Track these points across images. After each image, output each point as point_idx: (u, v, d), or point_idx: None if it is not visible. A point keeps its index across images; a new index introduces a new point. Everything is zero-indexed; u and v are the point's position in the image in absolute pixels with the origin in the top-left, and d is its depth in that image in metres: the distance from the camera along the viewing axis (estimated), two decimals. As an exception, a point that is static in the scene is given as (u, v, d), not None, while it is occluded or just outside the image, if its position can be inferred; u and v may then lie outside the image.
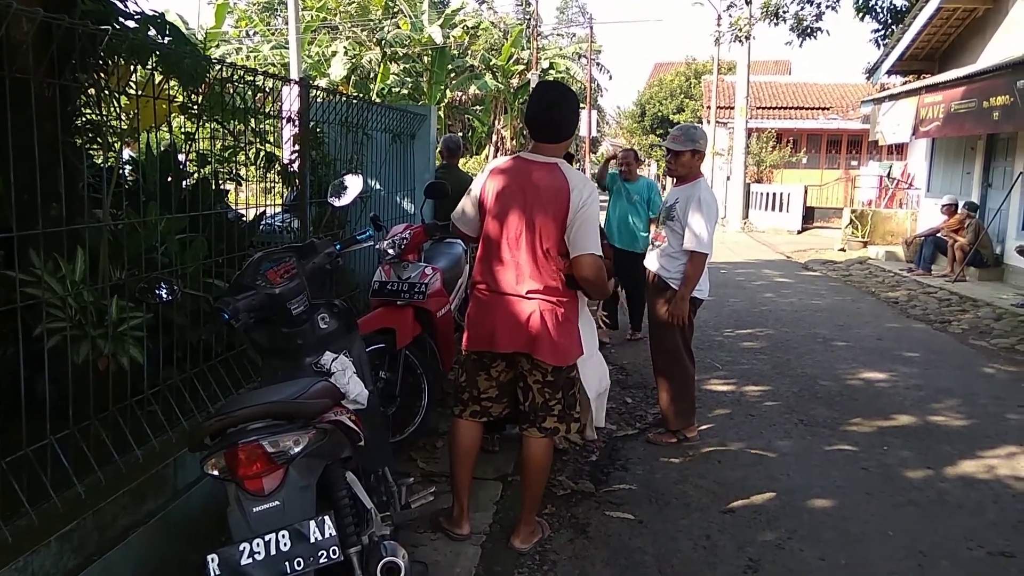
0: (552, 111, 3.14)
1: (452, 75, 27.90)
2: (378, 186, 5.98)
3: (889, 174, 18.61)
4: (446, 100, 27.58)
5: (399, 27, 26.92)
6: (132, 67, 3.34)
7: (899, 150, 18.22)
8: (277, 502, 1.91)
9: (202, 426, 1.95)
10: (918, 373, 6.38)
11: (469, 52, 30.25)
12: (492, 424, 3.77)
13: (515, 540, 3.33)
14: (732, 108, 24.13)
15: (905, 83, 15.35)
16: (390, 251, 4.41)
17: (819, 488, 4.03)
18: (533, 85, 28.87)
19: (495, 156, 30.75)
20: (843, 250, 15.65)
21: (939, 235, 12.03)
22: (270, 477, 1.90)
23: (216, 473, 1.91)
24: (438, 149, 7.17)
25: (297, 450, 1.92)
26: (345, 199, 3.31)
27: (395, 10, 28.41)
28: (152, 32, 3.81)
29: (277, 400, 2.01)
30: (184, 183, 4.34)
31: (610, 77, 72.69)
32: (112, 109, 3.54)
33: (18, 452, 2.31)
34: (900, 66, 14.81)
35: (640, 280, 5.98)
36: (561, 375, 3.19)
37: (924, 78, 14.07)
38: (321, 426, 2.01)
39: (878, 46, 16.53)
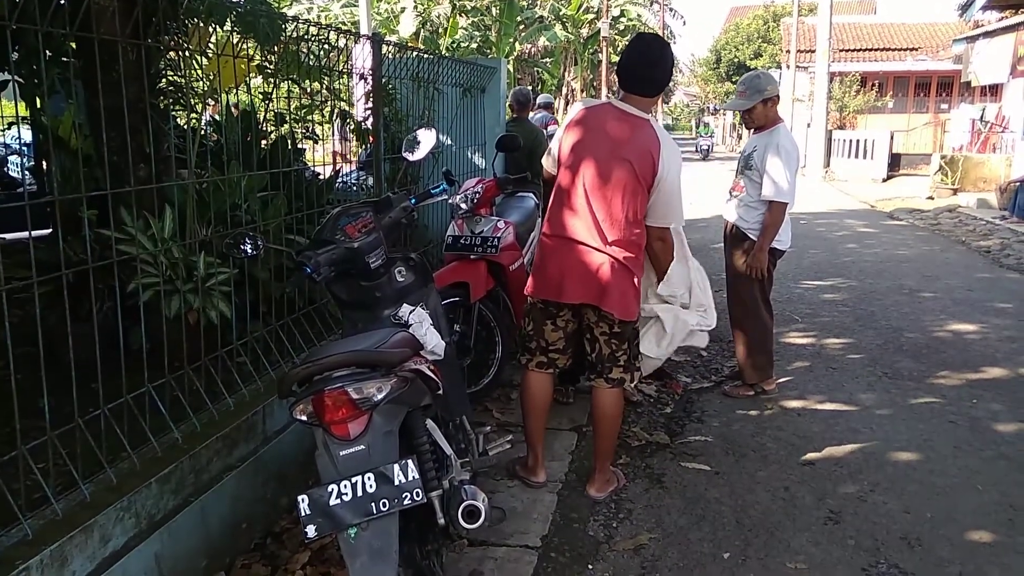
0: (656, 67, 3.06)
1: (521, 27, 27.47)
2: (449, 141, 5.99)
3: (982, 117, 17.61)
4: (515, 53, 27.22)
5: (467, -21, 26.60)
6: (211, 28, 3.42)
7: (993, 91, 17.18)
8: (362, 446, 1.97)
9: (290, 374, 2.02)
10: (1011, 324, 6.11)
11: (538, 3, 29.73)
12: (565, 375, 3.80)
13: (591, 488, 3.37)
14: (813, 51, 23.14)
15: (1001, 19, 14.41)
16: (463, 205, 4.43)
17: (904, 441, 3.93)
18: (604, 35, 28.36)
19: (565, 108, 30.35)
20: (931, 198, 14.96)
21: (1037, 180, 11.38)
22: (355, 422, 1.97)
23: (304, 418, 1.99)
24: (508, 102, 7.12)
25: (380, 397, 1.97)
26: (419, 153, 3.33)
27: (463, -38, 28.07)
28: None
29: (360, 349, 2.06)
30: (263, 142, 4.44)
31: (684, 23, 70.26)
32: (193, 71, 3.64)
33: (118, 399, 2.44)
34: (996, 0, 13.87)
35: None
36: (628, 327, 3.19)
37: (1023, 12, 13.16)
38: (402, 374, 2.06)
39: (973, -21, 15.53)
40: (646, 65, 3.06)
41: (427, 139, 3.35)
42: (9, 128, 5.95)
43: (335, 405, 1.93)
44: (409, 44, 24.57)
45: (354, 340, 2.21)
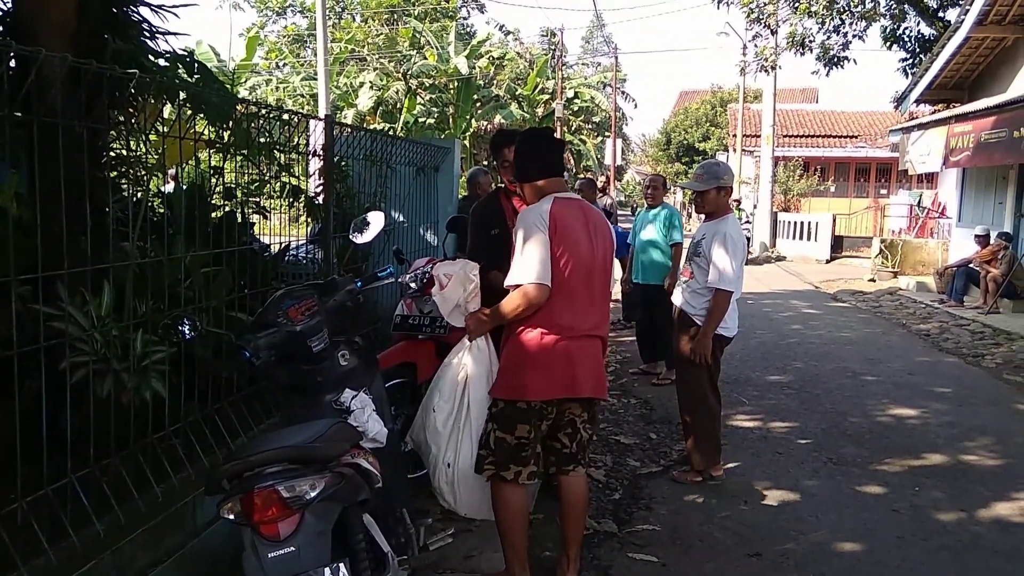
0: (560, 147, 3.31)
1: (478, 105, 28.14)
2: (401, 218, 6.01)
3: (919, 203, 18.39)
4: (471, 130, 27.80)
5: (426, 58, 27.25)
6: (160, 106, 3.40)
7: (929, 178, 18.02)
8: (292, 548, 1.88)
9: (219, 470, 1.94)
10: (950, 410, 6.23)
11: (495, 82, 30.51)
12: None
13: None
14: (758, 136, 24.07)
15: (934, 112, 15.22)
16: (412, 285, 4.40)
17: (849, 531, 3.92)
18: (558, 115, 29.09)
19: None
20: (873, 280, 15.44)
21: (972, 266, 11.82)
22: (286, 522, 1.88)
23: (232, 517, 1.90)
24: (463, 179, 7.20)
25: (313, 495, 1.90)
26: (367, 236, 3.32)
27: (422, 42, 28.78)
28: (181, 70, 3.88)
29: (293, 444, 1.99)
30: (211, 215, 4.38)
31: (635, 106, 72.99)
32: (141, 145, 3.60)
33: (38, 491, 2.31)
34: (929, 95, 14.68)
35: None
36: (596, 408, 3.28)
37: (953, 107, 13.93)
38: (338, 470, 2.00)
39: (906, 75, 16.46)
40: (560, 146, 3.29)
41: (376, 221, 3.35)
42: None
43: (264, 504, 1.85)
44: (367, 119, 24.91)
45: (289, 433, 2.14)
